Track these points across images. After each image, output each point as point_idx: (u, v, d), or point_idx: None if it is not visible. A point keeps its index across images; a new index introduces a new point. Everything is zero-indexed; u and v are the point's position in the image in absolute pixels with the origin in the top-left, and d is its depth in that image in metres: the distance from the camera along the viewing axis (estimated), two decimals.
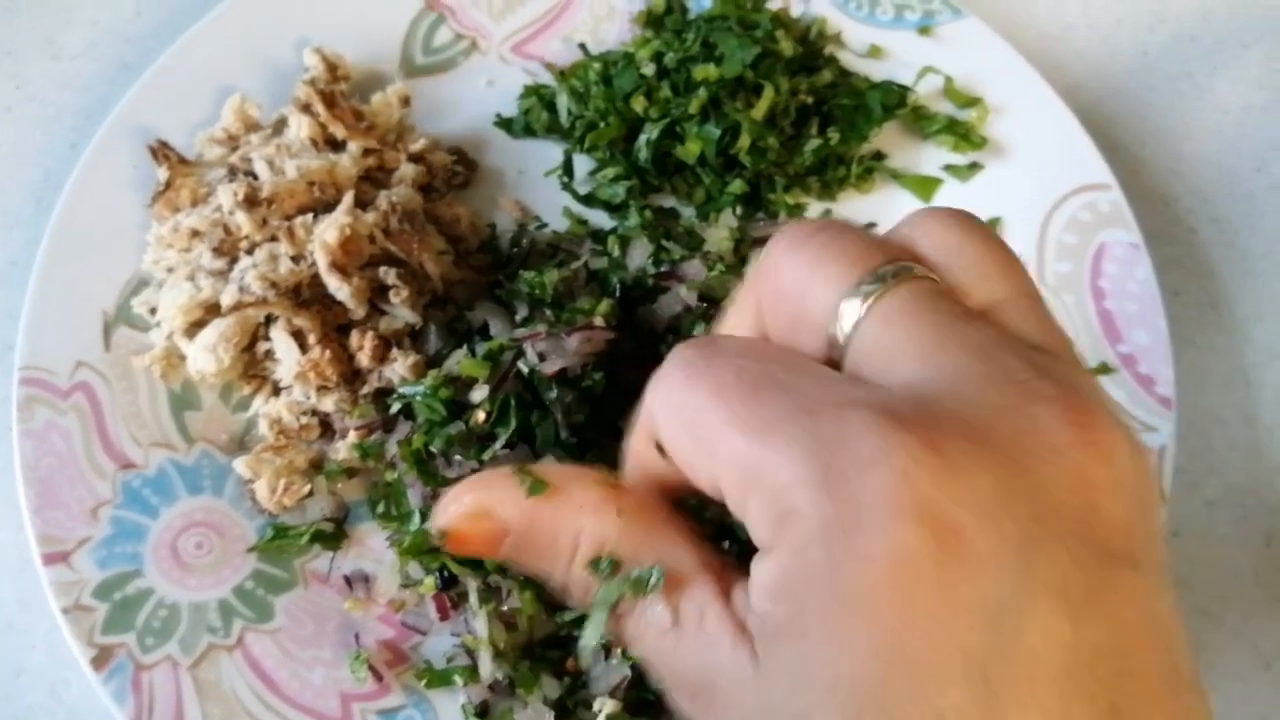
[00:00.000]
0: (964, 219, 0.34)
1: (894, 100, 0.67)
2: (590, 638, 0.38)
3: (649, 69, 0.66)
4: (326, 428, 0.60)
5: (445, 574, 0.55)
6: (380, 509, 0.58)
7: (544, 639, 0.55)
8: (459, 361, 0.58)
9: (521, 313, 0.61)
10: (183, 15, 0.74)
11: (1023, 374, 0.30)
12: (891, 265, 0.32)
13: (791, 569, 0.29)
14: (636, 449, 0.36)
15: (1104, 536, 0.29)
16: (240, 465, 0.58)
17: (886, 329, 0.31)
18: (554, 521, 0.34)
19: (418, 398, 0.58)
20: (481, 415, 0.57)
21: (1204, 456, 0.66)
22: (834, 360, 0.33)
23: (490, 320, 0.61)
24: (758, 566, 0.31)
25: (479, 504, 0.35)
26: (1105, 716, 0.27)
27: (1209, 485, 0.65)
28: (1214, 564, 0.63)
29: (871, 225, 0.67)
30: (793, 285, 0.33)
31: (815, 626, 0.28)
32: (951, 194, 0.67)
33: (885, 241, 0.34)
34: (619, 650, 0.53)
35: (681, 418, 0.32)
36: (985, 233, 0.34)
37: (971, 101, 0.68)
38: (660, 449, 0.34)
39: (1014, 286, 0.34)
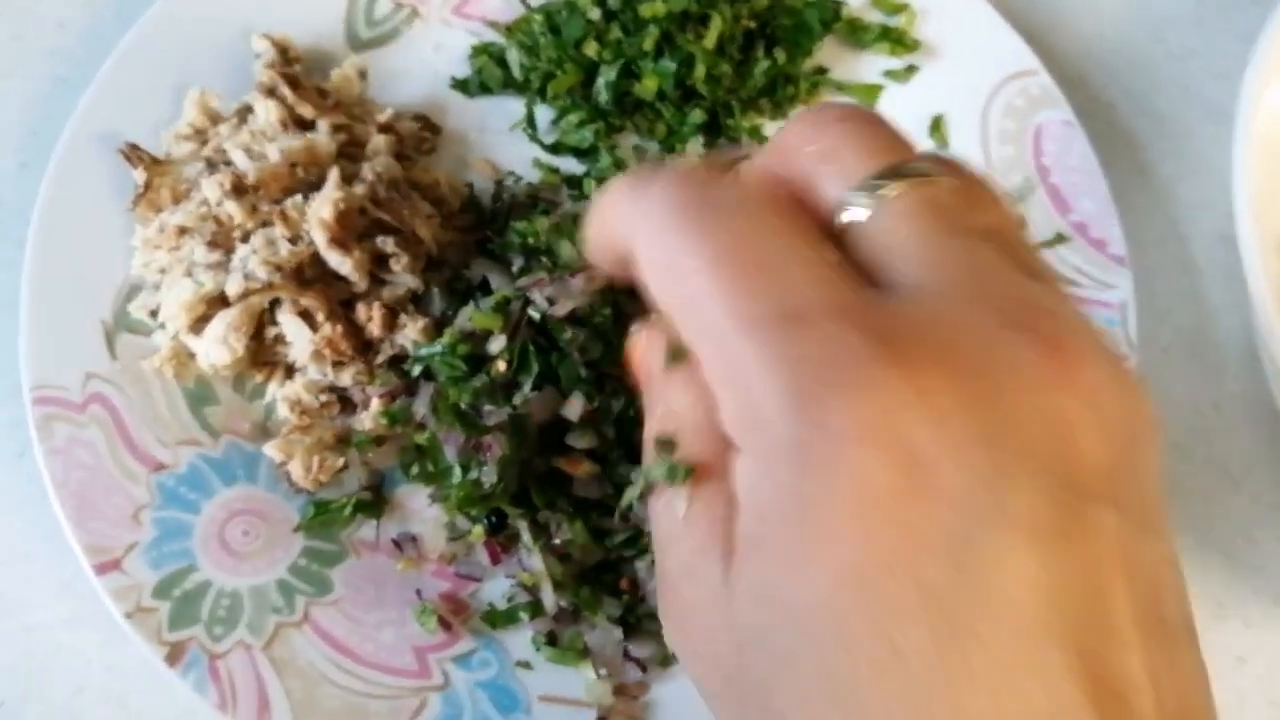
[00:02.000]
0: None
1: (829, 15, 0.71)
2: (623, 501, 0.40)
3: (595, 13, 0.68)
4: (346, 402, 0.61)
5: (492, 520, 0.58)
6: (415, 470, 0.60)
7: (597, 565, 0.58)
8: (470, 317, 0.60)
9: (518, 263, 0.63)
10: (108, 22, 0.72)
11: (1015, 304, 0.30)
12: (911, 165, 0.32)
13: (761, 486, 0.29)
14: (597, 248, 0.36)
15: (1081, 477, 0.28)
16: (271, 449, 0.59)
17: (893, 230, 0.31)
18: (661, 389, 0.34)
19: (437, 358, 0.59)
20: (503, 365, 0.59)
21: (1151, 307, 0.71)
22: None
23: (489, 275, 0.63)
24: (736, 469, 0.30)
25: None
26: (1073, 660, 0.26)
27: (1162, 333, 0.71)
28: (1179, 402, 0.69)
29: None
30: (806, 168, 0.33)
31: (780, 550, 0.28)
32: (894, 97, 0.71)
33: (905, 142, 0.34)
34: None
35: (672, 270, 0.31)
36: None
37: (899, 8, 0.72)
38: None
39: (1009, 214, 0.34)
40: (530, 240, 0.62)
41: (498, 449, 0.56)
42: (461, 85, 0.70)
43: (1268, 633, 0.65)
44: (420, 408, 0.59)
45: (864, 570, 0.27)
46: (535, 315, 0.59)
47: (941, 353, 0.28)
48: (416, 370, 0.60)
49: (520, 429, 0.56)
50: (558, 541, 0.57)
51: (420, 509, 0.60)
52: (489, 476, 0.55)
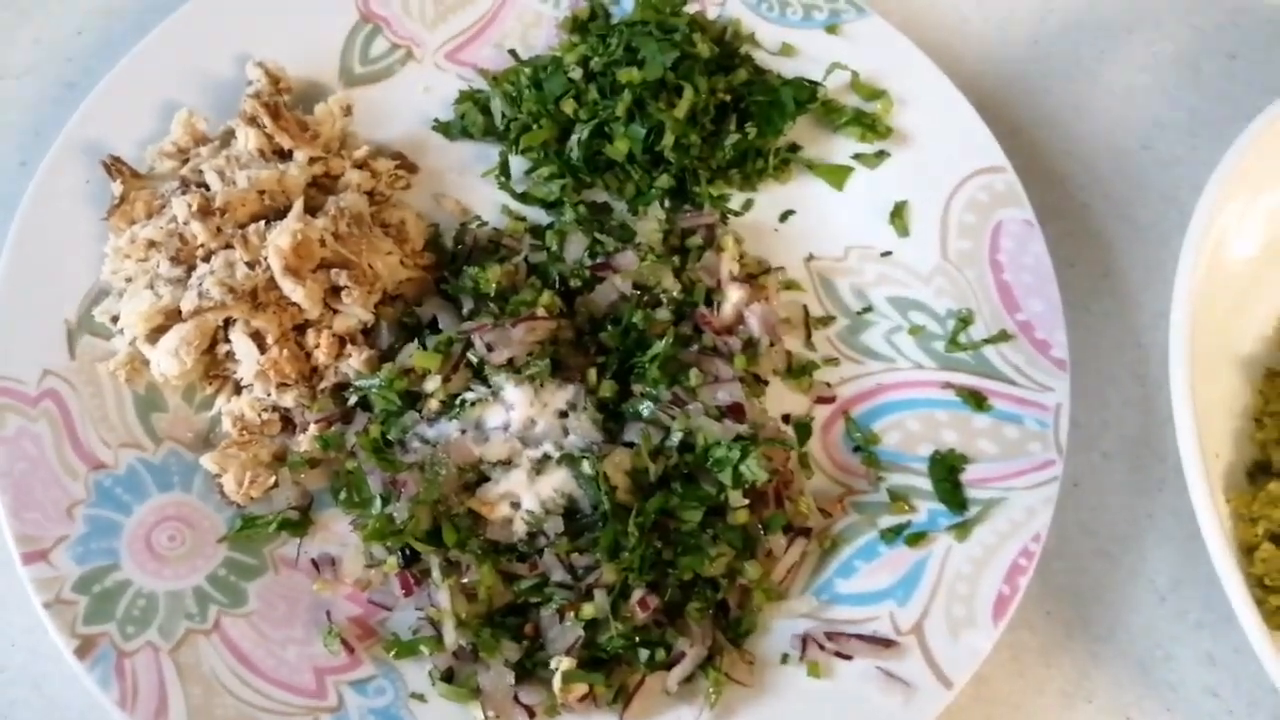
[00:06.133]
0: None
1: (805, 95, 0.72)
2: None
3: (576, 73, 0.70)
4: (287, 422, 0.63)
5: (407, 552, 0.59)
6: (343, 496, 0.62)
7: (503, 608, 0.59)
8: (411, 355, 0.62)
9: (467, 306, 0.65)
10: (123, 35, 0.76)
11: None
12: None
13: None
14: None
15: None
16: (207, 461, 0.61)
17: None
18: None
19: (374, 390, 0.62)
20: (435, 404, 0.61)
21: (1100, 412, 0.72)
22: None
23: (439, 315, 0.65)
24: None
25: None
26: None
27: (1105, 438, 0.71)
28: (1112, 510, 0.69)
29: (790, 213, 0.72)
30: None
31: None
32: (861, 181, 0.72)
33: None
34: (572, 614, 0.58)
35: None
36: None
37: (877, 94, 0.73)
38: None
39: None
40: (481, 286, 0.64)
41: (413, 486, 0.58)
42: (444, 128, 0.73)
43: None
44: (352, 437, 0.61)
45: None
46: (474, 359, 0.62)
47: None
48: (354, 400, 0.62)
49: (436, 468, 0.58)
50: (467, 580, 0.59)
51: (344, 533, 0.62)
52: (401, 512, 0.57)
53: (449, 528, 0.58)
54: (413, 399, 0.62)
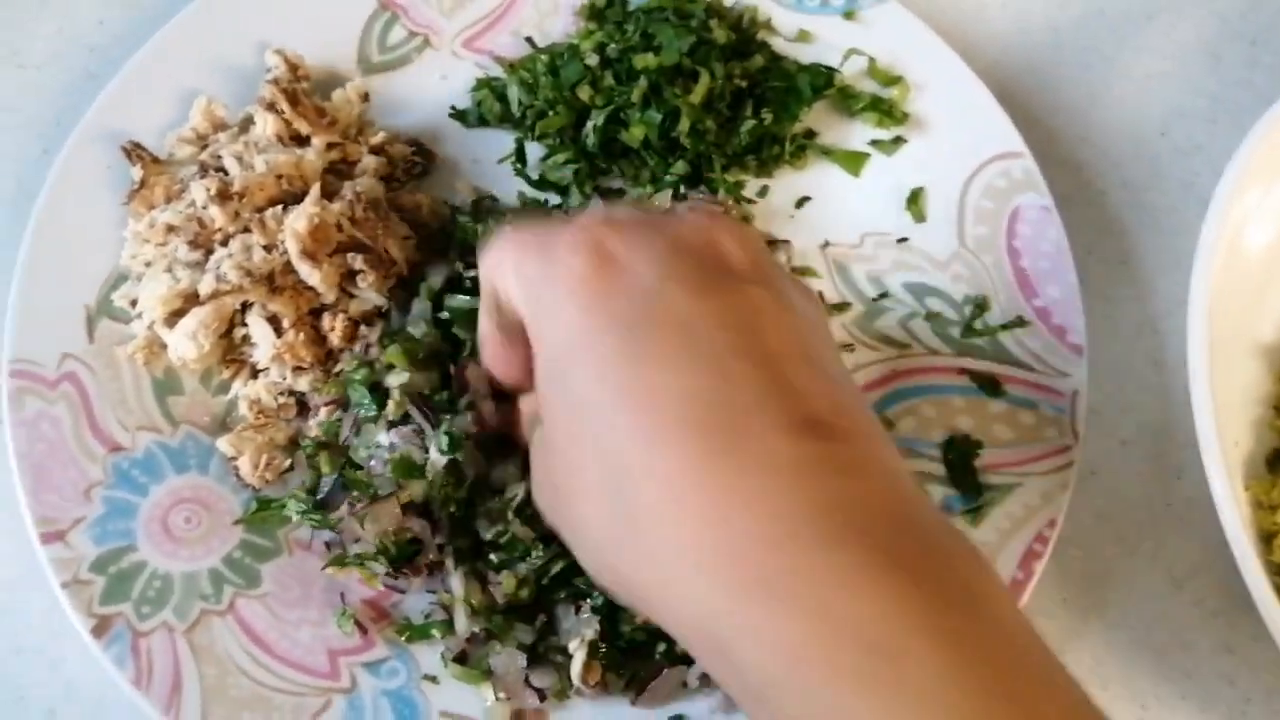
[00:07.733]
0: None
1: (822, 81, 0.72)
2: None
3: (593, 60, 0.70)
4: (303, 406, 0.64)
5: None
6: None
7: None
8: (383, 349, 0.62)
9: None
10: (144, 24, 0.77)
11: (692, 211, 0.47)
12: None
13: (527, 319, 0.46)
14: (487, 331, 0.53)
15: (725, 262, 0.43)
16: (223, 444, 0.61)
17: None
18: None
19: (355, 384, 0.61)
20: (392, 406, 0.59)
21: (1117, 400, 0.71)
22: None
23: (431, 273, 0.64)
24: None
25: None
26: (735, 340, 0.40)
27: (1123, 426, 0.70)
28: (1130, 497, 0.69)
29: (806, 199, 0.72)
30: None
31: (544, 342, 0.44)
32: (878, 166, 0.72)
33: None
34: (586, 604, 0.58)
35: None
36: None
37: (893, 80, 0.73)
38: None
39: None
40: (469, 239, 0.65)
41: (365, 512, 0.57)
42: (460, 115, 0.73)
43: None
44: (346, 428, 0.61)
45: (581, 318, 0.41)
46: None
47: (629, 215, 0.46)
48: (351, 390, 0.62)
49: (403, 468, 0.57)
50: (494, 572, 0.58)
51: None
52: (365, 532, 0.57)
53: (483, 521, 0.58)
54: (384, 394, 0.60)
